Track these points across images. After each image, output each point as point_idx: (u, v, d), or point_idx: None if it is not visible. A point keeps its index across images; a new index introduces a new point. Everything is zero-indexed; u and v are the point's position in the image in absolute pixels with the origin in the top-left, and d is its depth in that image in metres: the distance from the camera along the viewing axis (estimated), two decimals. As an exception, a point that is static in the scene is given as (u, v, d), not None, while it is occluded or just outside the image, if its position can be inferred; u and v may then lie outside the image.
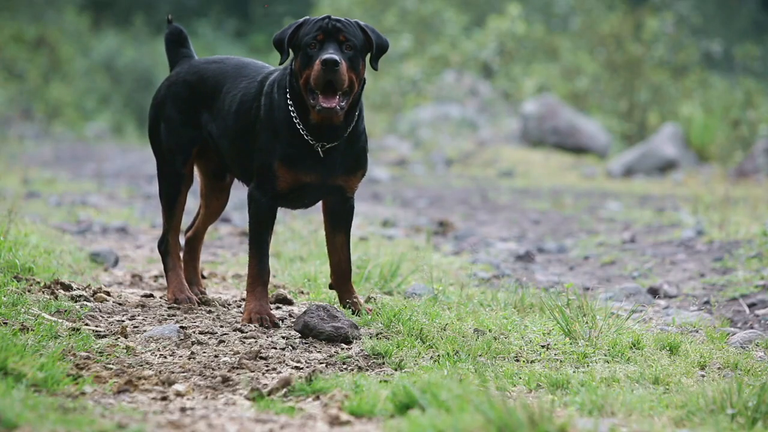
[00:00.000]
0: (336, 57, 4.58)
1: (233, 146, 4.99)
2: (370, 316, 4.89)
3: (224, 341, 4.54)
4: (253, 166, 4.86)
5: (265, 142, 4.79)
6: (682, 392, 3.89)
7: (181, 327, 4.70)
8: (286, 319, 4.97)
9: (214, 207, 5.43)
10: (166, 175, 5.23)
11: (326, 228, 5.02)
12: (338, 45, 4.65)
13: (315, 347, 4.50)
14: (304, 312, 4.67)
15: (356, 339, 4.62)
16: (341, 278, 5.05)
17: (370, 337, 4.61)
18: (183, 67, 5.27)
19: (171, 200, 5.23)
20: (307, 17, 4.78)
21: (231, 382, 3.95)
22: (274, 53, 5.45)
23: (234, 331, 4.72)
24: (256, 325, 4.76)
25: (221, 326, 4.79)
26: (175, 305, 5.13)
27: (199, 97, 5.15)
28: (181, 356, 4.31)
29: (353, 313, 4.96)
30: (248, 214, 4.87)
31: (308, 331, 4.62)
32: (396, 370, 4.20)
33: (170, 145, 5.20)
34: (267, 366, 4.20)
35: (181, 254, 5.38)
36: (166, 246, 5.27)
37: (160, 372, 4.05)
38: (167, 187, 5.23)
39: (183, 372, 4.08)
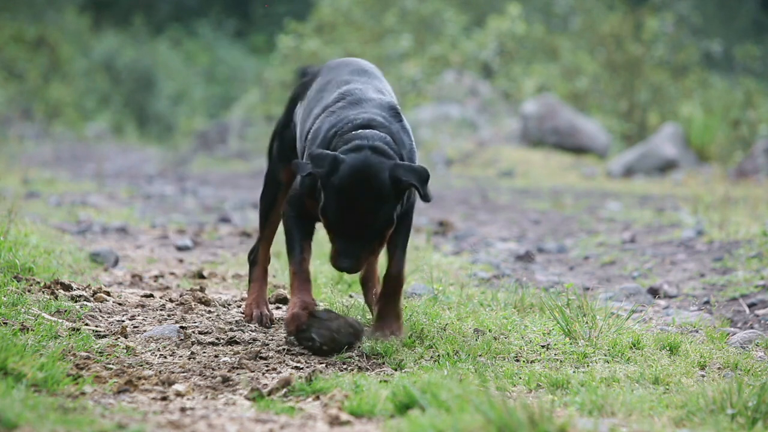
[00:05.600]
0: (350, 264, 4.36)
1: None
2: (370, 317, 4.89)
3: (224, 341, 4.54)
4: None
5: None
6: (682, 392, 3.89)
7: (181, 327, 4.70)
8: (286, 319, 4.96)
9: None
10: (267, 183, 5.03)
11: None
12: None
13: (315, 347, 4.49)
14: (304, 312, 4.65)
15: (356, 339, 4.61)
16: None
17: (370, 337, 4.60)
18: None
19: (267, 209, 5.03)
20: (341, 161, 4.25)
21: (231, 382, 3.95)
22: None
23: (234, 331, 4.71)
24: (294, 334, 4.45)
25: (221, 326, 4.79)
26: (246, 320, 4.97)
27: (302, 91, 4.93)
28: (181, 356, 4.31)
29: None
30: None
31: (308, 331, 4.60)
32: (396, 370, 4.20)
33: (276, 150, 5.01)
34: (267, 366, 4.20)
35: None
36: (255, 255, 5.09)
37: (160, 372, 4.05)
38: (266, 196, 5.03)
39: (183, 372, 4.08)
